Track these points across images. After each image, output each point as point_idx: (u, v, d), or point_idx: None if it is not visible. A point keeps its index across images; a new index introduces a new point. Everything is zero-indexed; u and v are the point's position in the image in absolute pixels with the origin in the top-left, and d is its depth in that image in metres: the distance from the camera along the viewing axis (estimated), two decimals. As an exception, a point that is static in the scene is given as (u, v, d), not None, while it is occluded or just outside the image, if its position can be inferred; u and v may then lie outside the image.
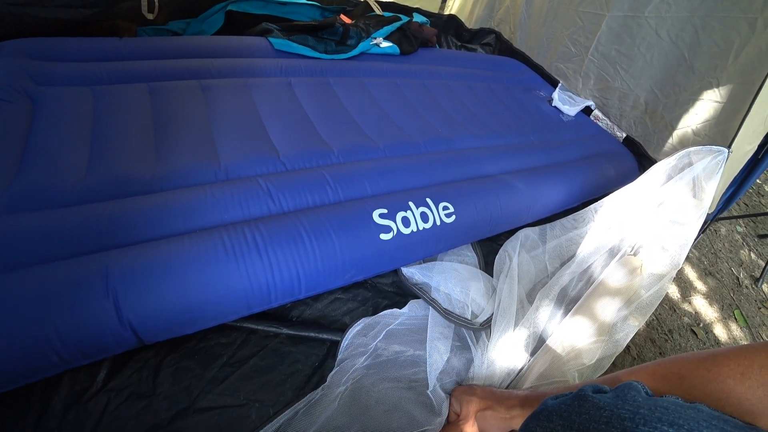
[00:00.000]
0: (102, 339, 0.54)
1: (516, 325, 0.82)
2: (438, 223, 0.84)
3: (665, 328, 1.24)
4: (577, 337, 0.83)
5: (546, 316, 0.86)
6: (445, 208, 0.87)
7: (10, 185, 0.65)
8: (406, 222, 0.80)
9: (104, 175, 0.72)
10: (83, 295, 0.53)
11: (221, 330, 0.74)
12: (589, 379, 0.79)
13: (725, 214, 1.48)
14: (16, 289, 0.51)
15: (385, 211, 0.79)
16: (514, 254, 0.97)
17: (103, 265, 0.56)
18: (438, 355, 0.77)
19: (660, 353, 1.16)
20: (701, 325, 1.31)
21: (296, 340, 0.76)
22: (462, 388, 0.74)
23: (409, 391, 0.73)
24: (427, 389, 0.73)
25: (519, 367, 0.79)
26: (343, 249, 0.73)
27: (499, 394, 0.69)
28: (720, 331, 1.31)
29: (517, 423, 0.62)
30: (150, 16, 1.19)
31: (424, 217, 0.83)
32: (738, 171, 1.10)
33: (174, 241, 0.63)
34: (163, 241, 0.63)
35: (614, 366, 1.08)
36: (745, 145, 1.08)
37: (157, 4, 1.18)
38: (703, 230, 0.98)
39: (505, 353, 0.78)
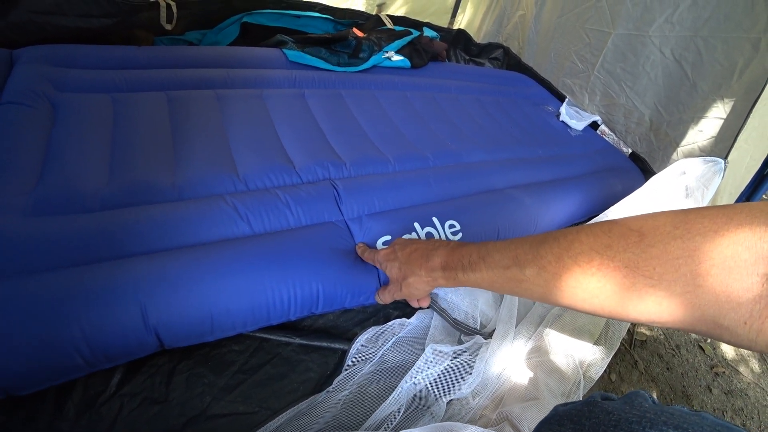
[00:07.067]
0: (126, 342, 0.55)
1: (516, 335, 0.83)
2: (444, 241, 0.86)
3: (672, 343, 1.24)
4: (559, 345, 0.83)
5: (542, 326, 0.86)
6: (452, 226, 0.88)
7: (33, 189, 0.67)
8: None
9: (126, 182, 0.73)
10: (111, 299, 0.54)
11: (234, 338, 0.74)
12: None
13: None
14: (42, 293, 0.52)
15: (388, 237, 0.81)
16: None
17: (132, 270, 0.57)
18: (440, 358, 0.77)
19: (667, 368, 1.16)
20: (708, 340, 1.30)
21: (308, 349, 0.77)
22: (385, 251, 0.71)
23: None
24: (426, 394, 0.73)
25: (512, 376, 0.79)
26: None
27: (417, 257, 0.65)
28: (727, 347, 1.31)
29: (440, 283, 0.62)
30: (168, 27, 1.22)
31: (430, 237, 0.84)
32: (744, 186, 1.12)
33: (199, 249, 0.64)
34: (188, 249, 0.64)
35: (622, 380, 1.09)
36: (746, 157, 1.09)
37: (175, 14, 1.21)
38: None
39: (502, 362, 0.79)
